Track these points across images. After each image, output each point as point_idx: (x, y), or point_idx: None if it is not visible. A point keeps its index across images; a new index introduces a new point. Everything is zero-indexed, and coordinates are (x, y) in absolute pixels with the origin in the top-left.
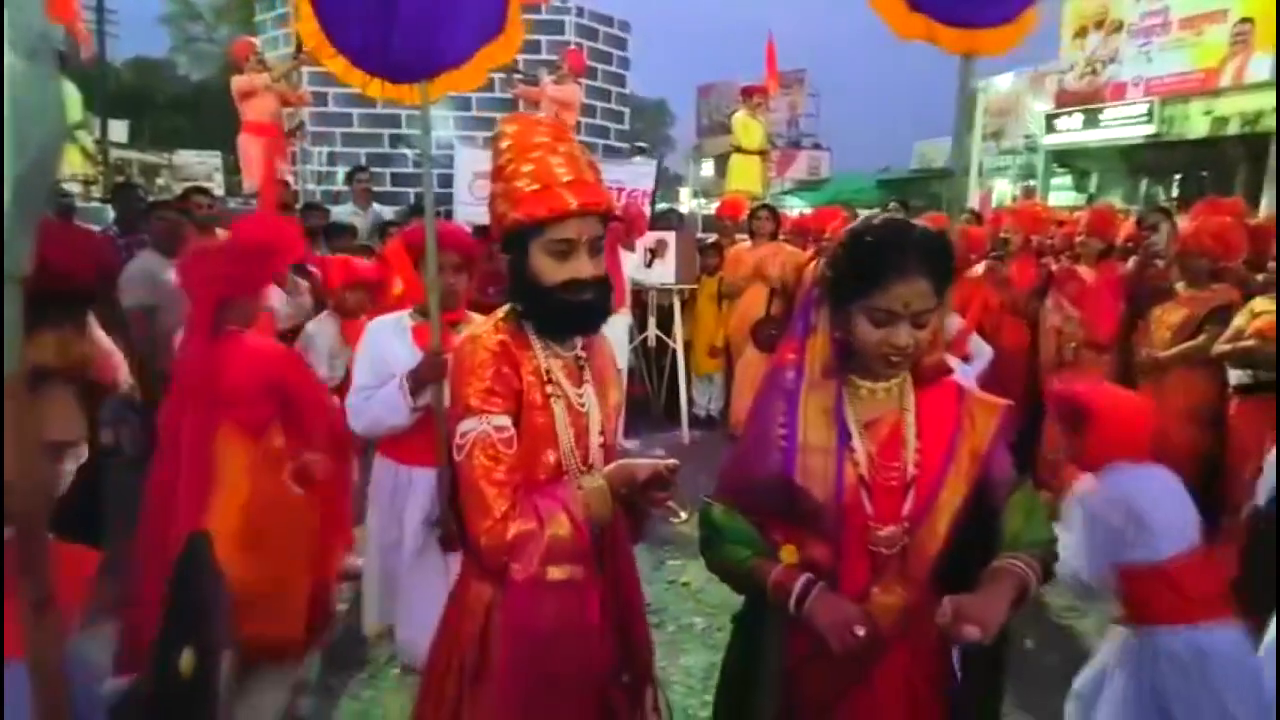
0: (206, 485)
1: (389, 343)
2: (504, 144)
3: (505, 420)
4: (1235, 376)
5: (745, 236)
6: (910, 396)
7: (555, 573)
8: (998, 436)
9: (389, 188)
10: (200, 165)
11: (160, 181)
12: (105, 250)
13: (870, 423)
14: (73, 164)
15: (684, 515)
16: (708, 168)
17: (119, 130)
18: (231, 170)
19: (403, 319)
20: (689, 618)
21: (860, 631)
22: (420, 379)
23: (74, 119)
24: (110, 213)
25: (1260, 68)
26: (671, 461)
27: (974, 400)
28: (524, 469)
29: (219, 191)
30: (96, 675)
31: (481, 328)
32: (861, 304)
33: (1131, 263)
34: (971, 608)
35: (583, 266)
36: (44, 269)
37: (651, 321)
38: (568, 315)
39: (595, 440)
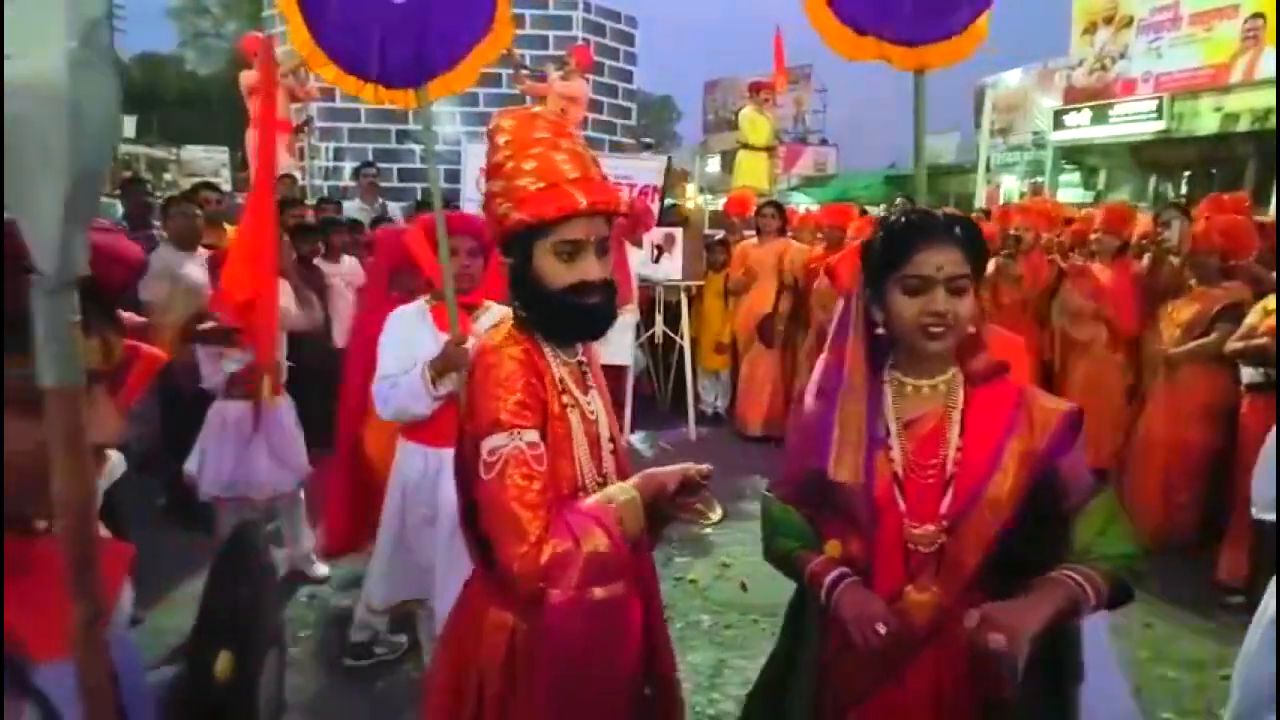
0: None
1: (411, 329)
2: (501, 139)
3: (536, 435)
4: (1247, 375)
5: (753, 233)
6: (959, 394)
7: (598, 592)
8: (1059, 438)
9: (396, 183)
10: (208, 160)
11: (168, 176)
12: (136, 249)
13: (912, 420)
14: None
15: (715, 516)
16: (713, 164)
17: (127, 125)
18: (239, 165)
19: (422, 305)
20: (696, 615)
21: (882, 629)
22: (442, 367)
23: None
24: (119, 208)
25: (1273, 63)
26: (705, 467)
27: (1034, 401)
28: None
29: (226, 186)
30: (142, 667)
31: (497, 337)
32: (895, 278)
33: (1146, 259)
34: (1000, 615)
35: (591, 268)
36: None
37: (658, 318)
38: (576, 319)
39: (606, 448)
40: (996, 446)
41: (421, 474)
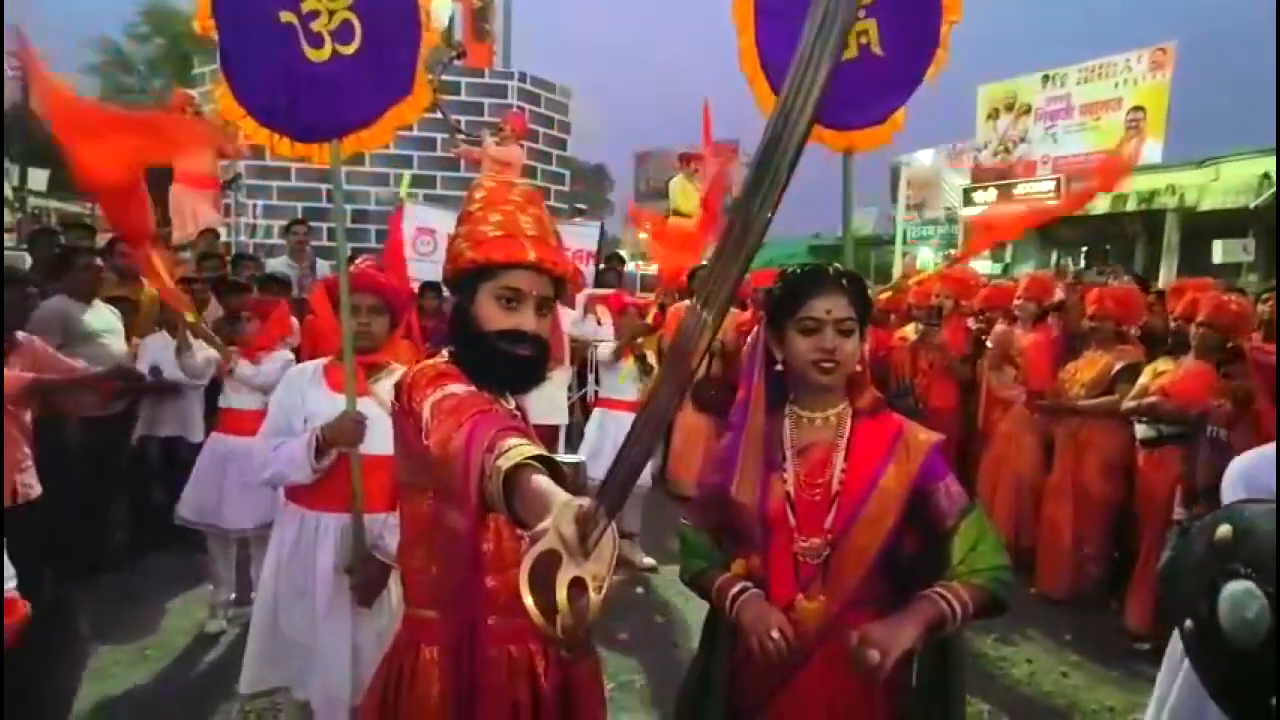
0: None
1: (302, 388)
2: (478, 194)
3: (460, 387)
4: (1141, 431)
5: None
6: (847, 425)
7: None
8: (931, 464)
9: (326, 241)
10: None
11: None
12: None
13: (805, 447)
14: None
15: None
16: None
17: (38, 179)
18: (161, 221)
19: (319, 363)
20: (628, 676)
21: (776, 634)
22: (333, 438)
23: None
24: (27, 259)
25: (1153, 152)
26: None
27: (910, 432)
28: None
29: None
30: None
31: (427, 362)
32: (792, 322)
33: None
34: (875, 633)
35: (527, 320)
36: None
37: (591, 378)
38: (503, 365)
39: None
40: (875, 471)
41: (296, 540)
